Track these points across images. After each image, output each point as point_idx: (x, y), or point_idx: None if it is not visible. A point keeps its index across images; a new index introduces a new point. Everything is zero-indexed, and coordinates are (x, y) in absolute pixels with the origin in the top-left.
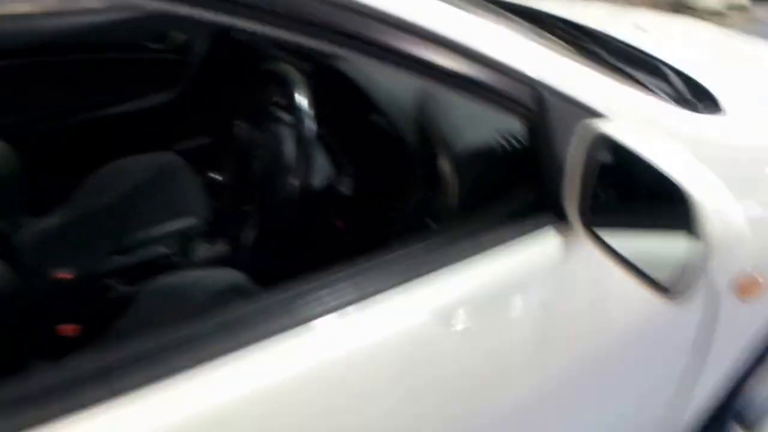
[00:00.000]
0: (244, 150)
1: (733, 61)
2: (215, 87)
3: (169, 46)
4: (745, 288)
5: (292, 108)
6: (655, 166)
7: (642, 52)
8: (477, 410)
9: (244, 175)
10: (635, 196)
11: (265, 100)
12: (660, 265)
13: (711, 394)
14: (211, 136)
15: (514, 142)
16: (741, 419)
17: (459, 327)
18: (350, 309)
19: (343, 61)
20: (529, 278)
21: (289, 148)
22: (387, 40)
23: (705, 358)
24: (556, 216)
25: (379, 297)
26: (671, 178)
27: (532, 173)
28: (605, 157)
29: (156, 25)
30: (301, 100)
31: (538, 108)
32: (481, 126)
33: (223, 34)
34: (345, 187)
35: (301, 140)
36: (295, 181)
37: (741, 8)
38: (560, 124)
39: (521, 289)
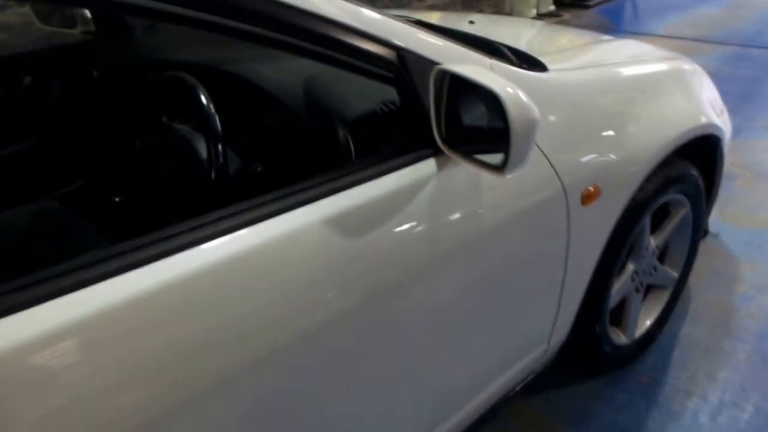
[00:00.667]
0: (145, 168)
1: (553, 40)
2: (83, 122)
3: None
4: (587, 196)
5: (198, 110)
6: (479, 83)
7: (481, 37)
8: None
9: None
10: (474, 114)
11: (156, 112)
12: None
13: (579, 295)
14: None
15: (390, 106)
16: (611, 317)
17: (361, 230)
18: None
19: (234, 64)
20: (414, 193)
21: (200, 148)
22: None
23: (565, 270)
24: (433, 148)
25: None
26: (488, 87)
27: (407, 121)
28: (450, 89)
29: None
30: (205, 100)
31: (402, 65)
32: (363, 99)
33: (75, 70)
34: (256, 173)
35: (210, 138)
36: (209, 179)
37: (551, 14)
38: (418, 75)
39: (406, 201)
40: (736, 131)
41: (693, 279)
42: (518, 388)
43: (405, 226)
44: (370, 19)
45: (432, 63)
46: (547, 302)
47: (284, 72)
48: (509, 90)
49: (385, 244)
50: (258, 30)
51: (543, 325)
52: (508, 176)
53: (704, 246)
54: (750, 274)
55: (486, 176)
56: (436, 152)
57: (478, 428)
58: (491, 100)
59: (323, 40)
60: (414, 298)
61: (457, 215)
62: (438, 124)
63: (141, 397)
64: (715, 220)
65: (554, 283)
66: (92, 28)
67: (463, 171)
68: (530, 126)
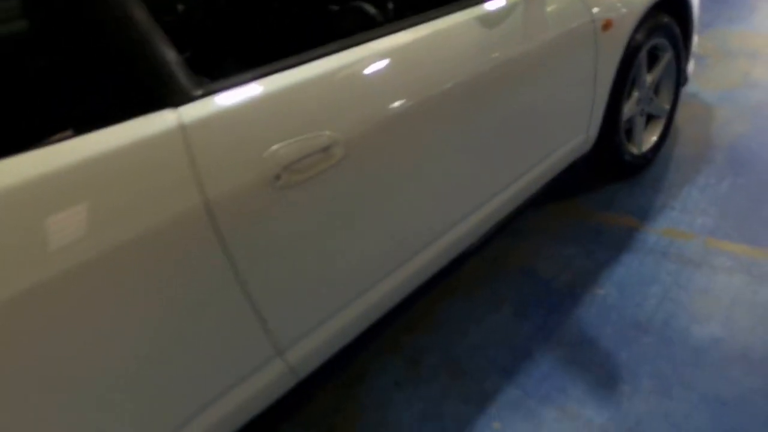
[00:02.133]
0: None
1: None
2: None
3: None
4: (605, 25)
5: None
6: None
7: None
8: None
9: None
10: None
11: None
12: None
13: (605, 98)
14: None
15: None
16: (624, 131)
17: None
18: None
19: None
20: (503, 10)
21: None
22: None
23: (596, 78)
24: None
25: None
26: None
27: None
28: None
29: None
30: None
31: None
32: None
33: None
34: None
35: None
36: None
37: None
38: None
39: (494, 25)
40: (708, 24)
41: (679, 121)
42: (571, 161)
43: (505, 35)
44: None
45: None
46: (585, 98)
47: None
48: None
49: (493, 44)
50: None
51: (583, 115)
52: None
53: (687, 101)
54: (721, 115)
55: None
56: None
57: (544, 195)
58: None
59: None
60: (510, 82)
61: (532, 29)
62: None
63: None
64: (694, 86)
65: (590, 84)
66: None
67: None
68: None
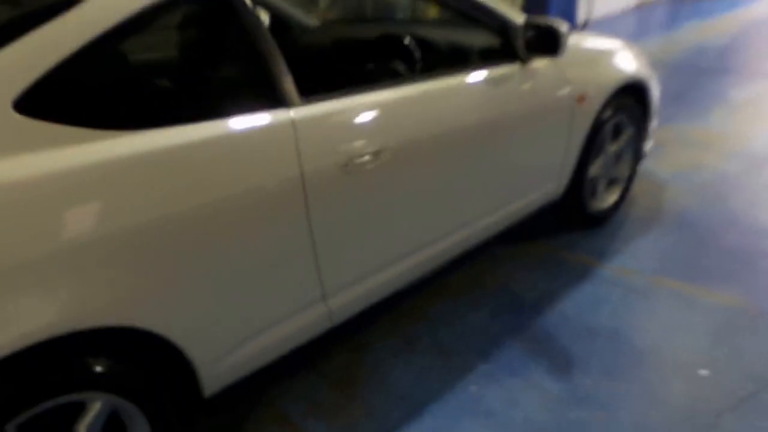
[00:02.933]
0: None
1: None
2: None
3: None
4: (580, 99)
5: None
6: (547, 25)
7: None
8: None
9: None
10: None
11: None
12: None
13: (574, 156)
14: None
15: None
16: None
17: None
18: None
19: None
20: (510, 78)
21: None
22: None
23: (569, 139)
24: (518, 58)
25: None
26: (551, 26)
27: (505, 50)
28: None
29: None
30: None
31: (504, 25)
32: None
33: None
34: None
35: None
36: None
37: None
38: (513, 29)
39: (500, 85)
40: (668, 119)
41: (636, 192)
42: (544, 203)
43: (502, 93)
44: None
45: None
46: (559, 153)
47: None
48: (562, 27)
49: (494, 101)
50: None
51: (556, 166)
52: (560, 56)
53: (644, 177)
54: (672, 190)
55: (540, 74)
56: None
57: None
58: (549, 32)
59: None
60: (494, 134)
61: (520, 98)
62: (521, 49)
63: None
64: (651, 166)
65: (563, 142)
66: None
67: (531, 72)
68: (567, 36)
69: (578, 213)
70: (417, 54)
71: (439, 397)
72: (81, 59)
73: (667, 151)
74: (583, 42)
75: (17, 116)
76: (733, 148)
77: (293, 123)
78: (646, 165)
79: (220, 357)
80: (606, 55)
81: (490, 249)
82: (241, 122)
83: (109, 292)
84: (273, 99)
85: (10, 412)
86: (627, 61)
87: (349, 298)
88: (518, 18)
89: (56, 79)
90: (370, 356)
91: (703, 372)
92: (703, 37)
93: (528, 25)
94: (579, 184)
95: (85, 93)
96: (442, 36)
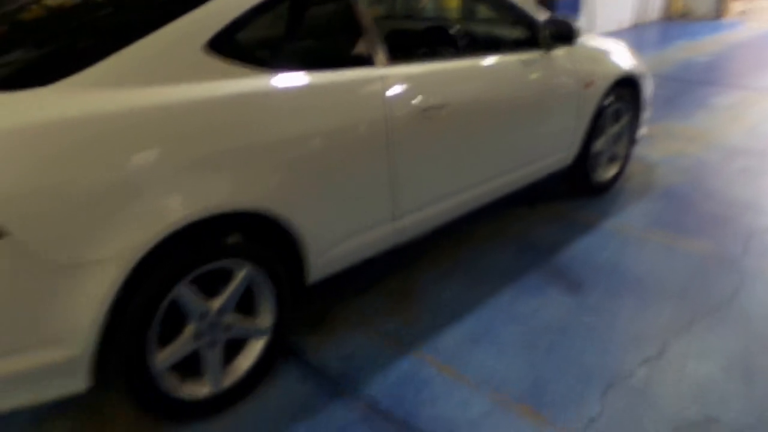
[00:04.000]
0: None
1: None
2: None
3: None
4: (587, 84)
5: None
6: (565, 20)
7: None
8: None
9: None
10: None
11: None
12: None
13: (582, 131)
14: None
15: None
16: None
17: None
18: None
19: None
20: (535, 62)
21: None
22: None
23: (578, 116)
24: (541, 47)
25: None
26: (569, 22)
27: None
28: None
29: None
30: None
31: (532, 24)
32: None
33: None
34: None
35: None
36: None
37: None
38: (541, 26)
39: (527, 66)
40: (659, 118)
41: (630, 171)
42: (557, 168)
43: (529, 72)
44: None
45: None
46: (570, 125)
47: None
48: (576, 22)
49: (523, 79)
50: None
51: (567, 138)
52: (574, 45)
53: (637, 160)
54: (661, 170)
55: (558, 61)
56: (542, 49)
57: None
58: (565, 25)
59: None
60: (522, 104)
61: (542, 78)
62: (544, 39)
63: None
64: (644, 152)
65: (572, 118)
66: None
67: (550, 58)
68: (579, 30)
69: (584, 181)
70: (464, 39)
71: (477, 308)
72: (247, 18)
73: (657, 142)
74: (591, 40)
75: (207, 55)
76: (712, 142)
77: (381, 78)
78: (640, 151)
79: (324, 250)
80: (609, 52)
81: (510, 209)
82: (350, 74)
83: (262, 184)
84: (371, 59)
85: (186, 268)
86: (626, 59)
87: (412, 221)
88: (542, 15)
89: (233, 30)
90: (417, 281)
91: (681, 293)
92: (690, 54)
93: (549, 21)
94: (585, 157)
95: (253, 42)
96: (486, 28)
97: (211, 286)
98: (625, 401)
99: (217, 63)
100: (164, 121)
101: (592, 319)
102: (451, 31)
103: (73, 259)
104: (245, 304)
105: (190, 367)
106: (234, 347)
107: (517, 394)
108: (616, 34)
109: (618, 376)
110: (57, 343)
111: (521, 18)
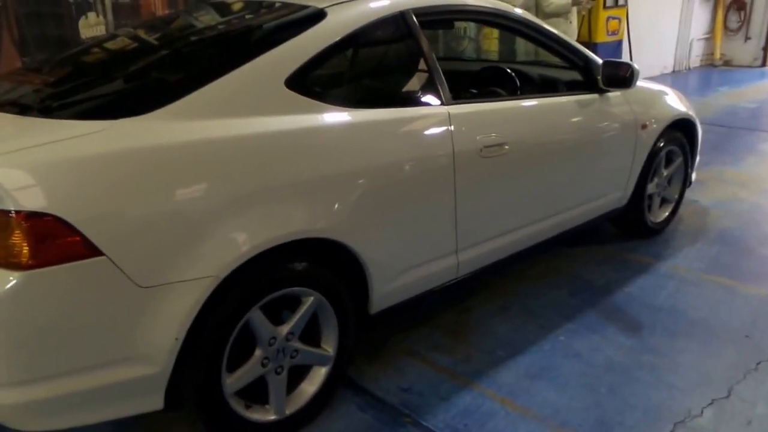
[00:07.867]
0: None
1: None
2: None
3: None
4: (643, 126)
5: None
6: (620, 62)
7: None
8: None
9: None
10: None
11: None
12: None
13: (636, 174)
14: None
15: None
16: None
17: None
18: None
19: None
20: (591, 103)
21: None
22: None
23: (634, 157)
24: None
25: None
26: (628, 63)
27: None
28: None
29: None
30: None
31: (587, 63)
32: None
33: None
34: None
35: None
36: None
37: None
38: (594, 65)
39: (584, 107)
40: (708, 163)
41: (683, 213)
42: (612, 208)
43: (586, 114)
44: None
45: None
46: (627, 167)
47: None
48: (636, 66)
49: (580, 120)
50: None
51: (623, 178)
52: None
53: (689, 204)
54: (714, 214)
55: (614, 103)
56: (599, 91)
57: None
58: (626, 69)
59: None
60: (579, 144)
61: (600, 118)
62: (601, 81)
63: None
64: (696, 196)
65: (628, 159)
66: None
67: (607, 100)
68: (638, 75)
69: (638, 222)
70: (519, 81)
71: (534, 343)
72: (322, 57)
73: (708, 186)
74: (643, 83)
75: (287, 90)
76: (764, 187)
77: (449, 115)
78: (691, 195)
79: (388, 280)
80: (662, 95)
81: (563, 249)
82: (420, 111)
83: (332, 214)
84: (437, 98)
85: (261, 293)
86: (678, 103)
87: (471, 255)
88: (598, 59)
89: (310, 67)
90: (472, 316)
91: (745, 336)
92: (735, 101)
93: (608, 63)
94: (639, 198)
95: (327, 80)
96: (544, 71)
97: (276, 314)
98: None
99: (297, 98)
100: (252, 150)
101: (653, 359)
102: (509, 72)
103: (161, 279)
104: (308, 333)
105: (254, 394)
106: (297, 375)
107: (583, 431)
108: (658, 79)
109: (685, 416)
110: (141, 360)
111: (581, 59)
